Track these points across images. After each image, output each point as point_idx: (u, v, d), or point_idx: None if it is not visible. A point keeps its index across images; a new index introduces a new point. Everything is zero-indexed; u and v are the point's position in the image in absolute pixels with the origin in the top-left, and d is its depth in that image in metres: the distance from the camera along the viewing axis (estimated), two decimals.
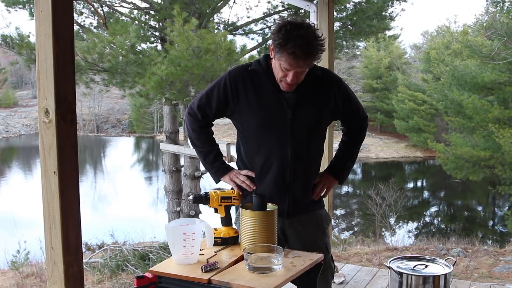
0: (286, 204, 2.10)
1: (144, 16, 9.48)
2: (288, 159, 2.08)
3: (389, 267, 2.05)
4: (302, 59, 1.90)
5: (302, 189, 2.14)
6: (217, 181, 2.26)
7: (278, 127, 2.06)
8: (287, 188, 2.11)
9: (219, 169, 2.22)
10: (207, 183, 11.38)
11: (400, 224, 15.25)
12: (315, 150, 2.16)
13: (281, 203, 2.06)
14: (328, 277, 2.21)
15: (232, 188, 2.16)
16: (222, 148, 2.33)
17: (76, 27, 8.65)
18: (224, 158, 2.28)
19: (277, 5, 9.55)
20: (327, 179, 2.24)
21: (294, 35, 1.87)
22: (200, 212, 9.15)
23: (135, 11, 9.40)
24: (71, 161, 1.57)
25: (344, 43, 10.10)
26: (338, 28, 9.32)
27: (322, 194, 2.26)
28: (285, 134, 2.06)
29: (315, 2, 3.71)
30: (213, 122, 2.26)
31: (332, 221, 2.46)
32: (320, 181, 2.22)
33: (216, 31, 8.32)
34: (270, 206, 1.97)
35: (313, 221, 2.20)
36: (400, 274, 1.98)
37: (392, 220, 13.94)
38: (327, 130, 2.29)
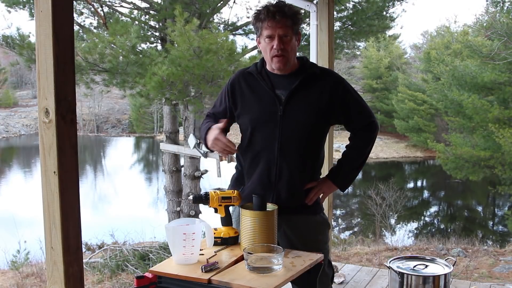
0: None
1: (144, 16, 9.47)
2: (274, 155, 2.07)
3: (389, 267, 2.05)
4: (277, 13, 1.99)
5: (287, 188, 2.09)
6: (206, 146, 2.17)
7: (269, 123, 2.07)
8: (272, 186, 2.10)
9: (207, 129, 2.15)
10: (207, 183, 11.38)
11: (400, 224, 15.24)
12: (306, 150, 2.10)
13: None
14: (322, 282, 2.14)
15: (231, 188, 2.16)
16: None
17: (76, 27, 8.65)
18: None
19: None
20: (324, 184, 2.18)
21: (266, 6, 2.06)
22: (200, 212, 9.15)
23: (135, 11, 9.39)
24: (71, 161, 1.57)
25: (344, 43, 10.09)
26: (338, 28, 9.32)
27: (320, 199, 2.21)
28: (275, 131, 2.06)
29: (315, 2, 3.71)
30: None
31: (332, 221, 2.43)
32: (316, 185, 2.16)
33: (216, 31, 8.31)
34: (270, 206, 1.97)
35: (304, 225, 2.15)
36: (400, 274, 1.98)
37: (392, 220, 13.94)
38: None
